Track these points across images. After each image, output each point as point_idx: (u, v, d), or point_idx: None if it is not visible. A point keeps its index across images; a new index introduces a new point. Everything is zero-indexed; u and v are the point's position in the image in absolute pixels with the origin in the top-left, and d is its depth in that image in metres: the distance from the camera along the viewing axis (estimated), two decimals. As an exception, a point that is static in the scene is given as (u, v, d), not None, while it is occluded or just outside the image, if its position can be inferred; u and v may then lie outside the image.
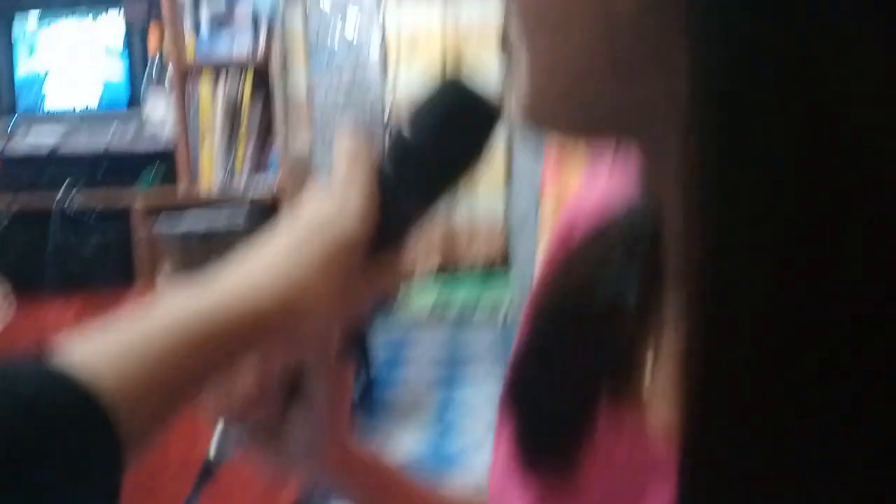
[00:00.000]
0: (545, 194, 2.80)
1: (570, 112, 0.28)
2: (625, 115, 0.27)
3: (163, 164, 1.98)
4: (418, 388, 3.32)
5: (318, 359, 0.38)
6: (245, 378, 0.36)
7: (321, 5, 4.98)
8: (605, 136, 0.30)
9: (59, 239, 1.93)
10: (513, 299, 3.86)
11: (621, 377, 0.32)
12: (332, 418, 0.40)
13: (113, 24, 2.10)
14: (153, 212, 1.99)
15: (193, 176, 1.97)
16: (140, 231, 1.97)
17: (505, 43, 0.27)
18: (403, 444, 2.67)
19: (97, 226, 1.96)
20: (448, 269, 5.56)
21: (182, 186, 1.97)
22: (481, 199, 5.36)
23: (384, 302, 0.39)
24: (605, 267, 0.35)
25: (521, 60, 0.29)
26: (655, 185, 0.30)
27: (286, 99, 2.05)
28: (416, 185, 0.37)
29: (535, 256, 3.26)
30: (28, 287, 1.94)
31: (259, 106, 2.00)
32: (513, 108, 0.30)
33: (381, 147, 0.38)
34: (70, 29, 2.12)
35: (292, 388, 0.39)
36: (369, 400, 2.93)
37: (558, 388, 0.35)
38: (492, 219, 5.39)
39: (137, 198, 1.97)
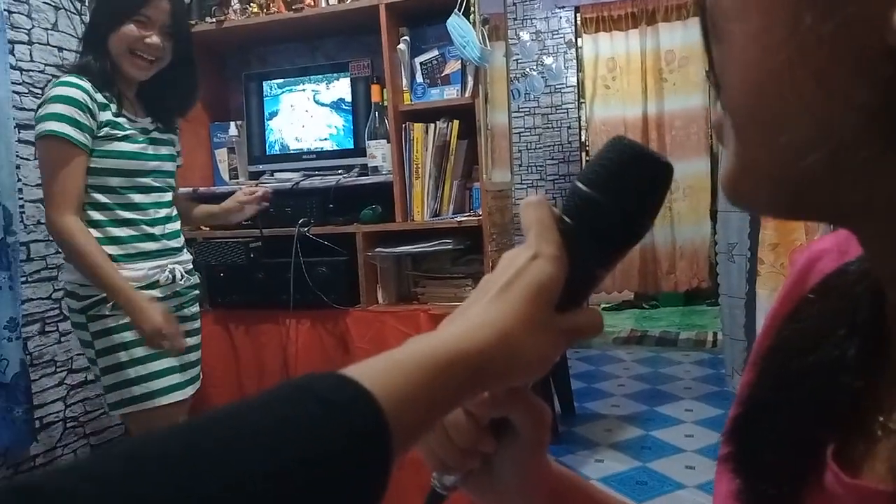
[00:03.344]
0: (764, 222, 2.64)
1: (774, 197, 0.30)
2: (835, 206, 0.28)
3: (382, 198, 2.19)
4: (615, 416, 3.26)
5: (522, 394, 0.41)
6: (457, 433, 0.41)
7: (521, 37, 5.13)
8: (810, 220, 0.31)
9: (298, 262, 2.18)
10: (721, 326, 3.67)
11: (845, 440, 0.32)
12: (536, 449, 0.42)
13: (341, 84, 2.40)
14: (373, 240, 2.22)
15: (407, 208, 2.17)
16: (362, 256, 2.20)
17: (711, 71, 0.30)
18: (595, 472, 2.65)
19: (328, 251, 2.19)
20: (648, 294, 5.39)
21: (397, 218, 2.17)
22: (684, 224, 5.12)
23: (576, 340, 0.40)
24: (830, 326, 0.35)
25: (729, 139, 0.30)
26: (877, 266, 0.31)
27: (489, 132, 2.18)
28: (597, 236, 0.39)
29: (744, 284, 3.09)
30: (273, 302, 2.23)
31: (465, 144, 2.17)
32: (720, 181, 0.32)
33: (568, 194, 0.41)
34: (307, 89, 2.46)
35: (498, 429, 0.42)
36: (555, 429, 2.90)
37: (782, 439, 0.35)
38: (695, 245, 5.13)
39: (360, 228, 2.19)
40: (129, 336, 1.69)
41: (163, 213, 1.81)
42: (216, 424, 0.29)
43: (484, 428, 0.41)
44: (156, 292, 1.74)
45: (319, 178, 2.34)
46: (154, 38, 1.69)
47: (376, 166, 2.22)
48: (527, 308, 0.37)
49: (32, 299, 2.27)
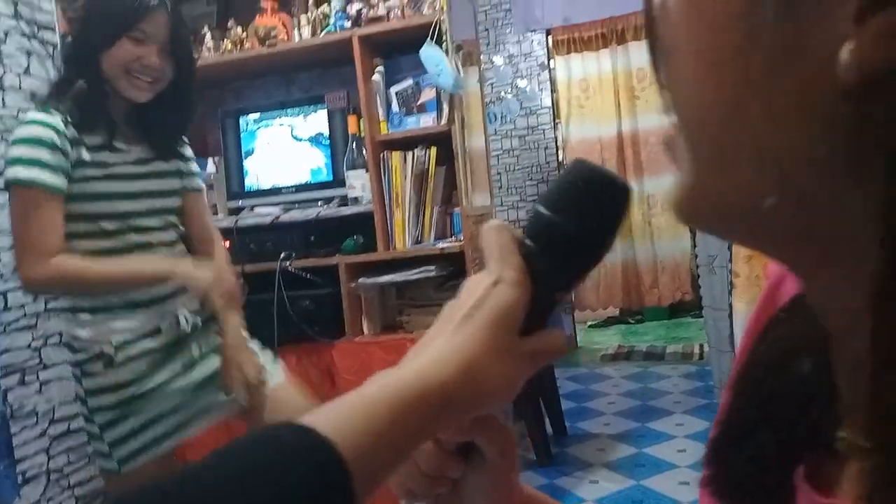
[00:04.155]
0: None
1: (722, 219, 0.29)
2: (782, 235, 0.27)
3: (363, 228, 2.19)
4: (607, 434, 3.24)
5: (488, 419, 0.40)
6: (423, 460, 0.40)
7: (495, 61, 5.19)
8: (754, 247, 0.30)
9: (281, 296, 2.16)
10: (706, 339, 3.68)
11: (819, 462, 0.32)
12: (504, 472, 0.42)
13: (318, 116, 2.40)
14: (357, 270, 2.22)
15: (389, 238, 2.17)
16: (345, 287, 2.19)
17: (658, 83, 0.28)
18: (591, 493, 2.64)
19: (311, 284, 2.18)
20: (633, 309, 5.40)
21: (379, 247, 2.17)
22: (664, 239, 5.16)
23: (542, 363, 0.40)
24: (797, 345, 0.35)
25: (682, 157, 0.30)
26: (813, 299, 0.30)
27: (466, 157, 2.20)
28: (558, 258, 0.40)
29: (726, 296, 3.11)
30: (258, 339, 2.23)
31: (443, 170, 2.18)
32: (671, 197, 0.31)
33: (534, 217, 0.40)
34: (283, 123, 2.46)
35: (465, 453, 0.42)
36: (547, 451, 2.88)
37: (756, 460, 0.35)
38: (675, 258, 5.17)
39: (343, 259, 2.19)
40: (123, 394, 1.54)
41: (163, 250, 1.61)
42: (185, 479, 0.30)
43: (450, 453, 0.41)
44: (155, 343, 1.56)
45: (299, 210, 2.33)
46: (153, 57, 1.50)
47: (356, 197, 2.22)
48: (490, 335, 0.36)
49: (11, 350, 2.22)
